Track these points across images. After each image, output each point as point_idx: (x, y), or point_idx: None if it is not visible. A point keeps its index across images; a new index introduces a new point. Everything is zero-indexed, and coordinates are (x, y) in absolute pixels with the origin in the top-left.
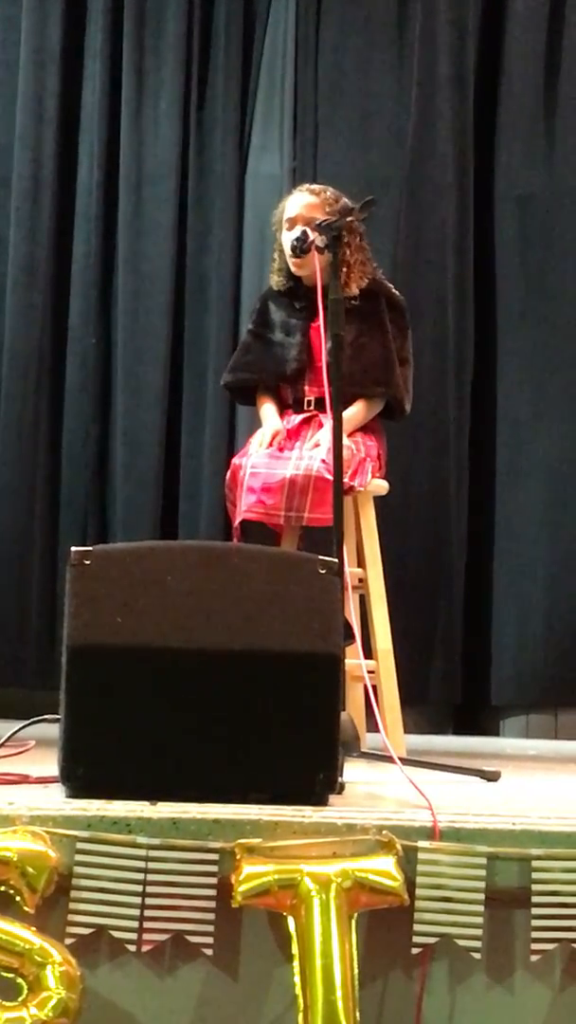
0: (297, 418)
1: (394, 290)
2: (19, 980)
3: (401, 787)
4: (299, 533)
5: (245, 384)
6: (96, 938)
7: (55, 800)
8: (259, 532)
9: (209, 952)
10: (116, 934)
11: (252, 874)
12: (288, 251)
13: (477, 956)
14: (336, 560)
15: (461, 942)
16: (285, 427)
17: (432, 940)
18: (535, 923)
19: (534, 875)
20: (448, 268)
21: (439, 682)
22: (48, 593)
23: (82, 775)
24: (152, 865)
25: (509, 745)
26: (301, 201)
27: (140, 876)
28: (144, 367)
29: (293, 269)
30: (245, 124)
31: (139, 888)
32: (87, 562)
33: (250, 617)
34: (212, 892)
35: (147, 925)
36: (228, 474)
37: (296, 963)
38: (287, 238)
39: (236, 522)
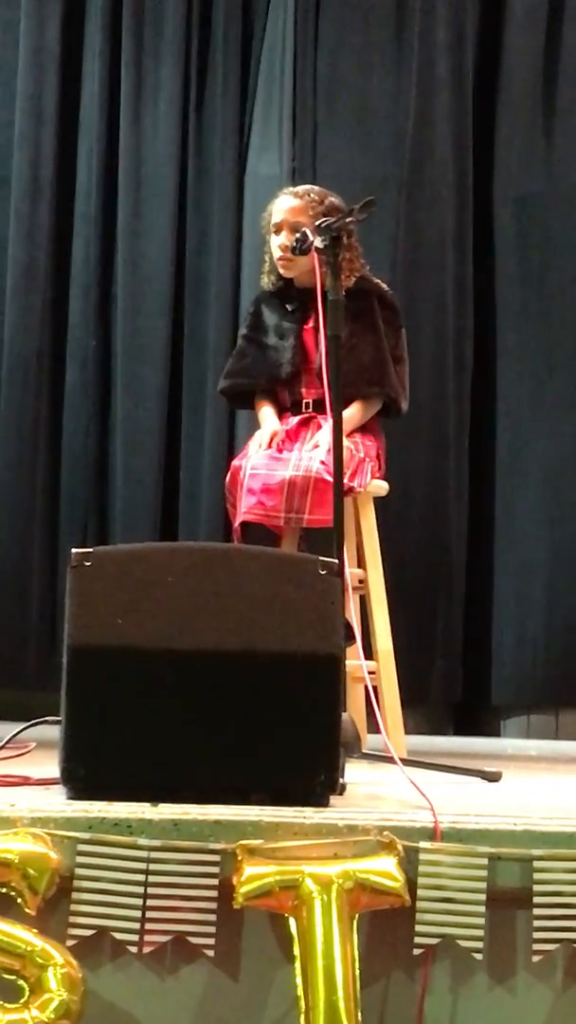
0: (295, 419)
1: (385, 288)
2: (20, 982)
3: (402, 788)
4: (299, 534)
5: (242, 390)
6: (97, 940)
7: (56, 802)
8: (259, 533)
9: (210, 953)
10: (117, 935)
11: (253, 875)
12: (278, 253)
13: (479, 957)
14: (336, 561)
15: (463, 943)
16: (284, 428)
17: (434, 941)
18: (537, 924)
19: (535, 875)
20: (448, 267)
21: (440, 682)
22: (48, 594)
23: (83, 777)
24: (153, 867)
25: (510, 745)
26: (284, 205)
27: (141, 877)
28: (144, 367)
29: (281, 271)
30: (244, 124)
31: (140, 889)
32: (87, 563)
33: (251, 618)
34: (213, 893)
35: (148, 926)
36: (228, 475)
37: (298, 964)
38: (275, 242)
39: (236, 523)
